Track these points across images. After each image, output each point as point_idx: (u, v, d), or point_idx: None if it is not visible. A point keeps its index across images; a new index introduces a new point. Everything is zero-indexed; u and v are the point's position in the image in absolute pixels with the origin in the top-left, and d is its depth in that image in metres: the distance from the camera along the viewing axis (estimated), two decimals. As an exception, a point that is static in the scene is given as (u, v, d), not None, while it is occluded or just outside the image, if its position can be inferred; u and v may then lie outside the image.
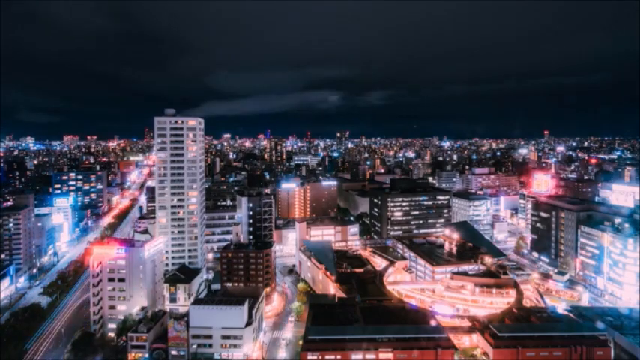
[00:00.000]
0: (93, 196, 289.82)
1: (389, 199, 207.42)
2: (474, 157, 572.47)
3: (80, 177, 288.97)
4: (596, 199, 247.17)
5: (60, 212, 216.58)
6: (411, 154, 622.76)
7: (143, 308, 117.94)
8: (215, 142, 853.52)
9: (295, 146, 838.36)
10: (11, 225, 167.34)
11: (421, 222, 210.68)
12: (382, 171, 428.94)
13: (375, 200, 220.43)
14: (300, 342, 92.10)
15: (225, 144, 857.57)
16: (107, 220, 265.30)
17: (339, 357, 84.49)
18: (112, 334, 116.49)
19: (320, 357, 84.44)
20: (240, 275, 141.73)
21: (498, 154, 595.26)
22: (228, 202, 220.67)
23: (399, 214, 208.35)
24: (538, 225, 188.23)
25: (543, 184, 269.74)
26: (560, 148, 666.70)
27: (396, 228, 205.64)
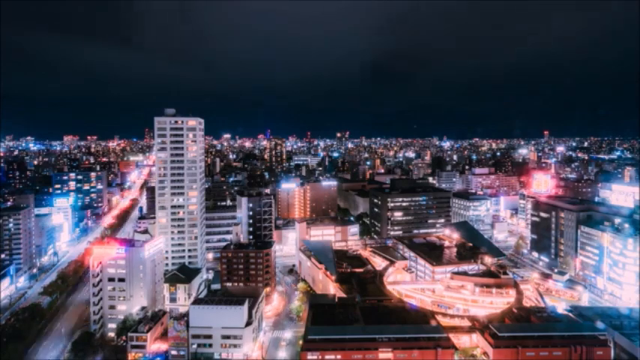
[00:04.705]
0: (93, 196, 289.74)
1: (389, 199, 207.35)
2: (474, 157, 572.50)
3: (80, 177, 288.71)
4: (596, 199, 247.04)
5: (60, 212, 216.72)
6: (411, 154, 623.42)
7: (143, 308, 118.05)
8: (215, 142, 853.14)
9: (295, 146, 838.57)
10: (11, 225, 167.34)
11: (421, 222, 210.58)
12: (382, 171, 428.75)
13: (375, 200, 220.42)
14: (300, 342, 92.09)
15: (225, 144, 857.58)
16: (107, 220, 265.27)
17: (339, 357, 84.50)
18: (112, 334, 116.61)
19: (320, 357, 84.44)
20: (240, 275, 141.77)
21: (498, 154, 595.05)
22: (228, 202, 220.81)
23: (399, 214, 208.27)
24: (538, 225, 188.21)
25: (543, 184, 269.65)
26: (560, 148, 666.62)
27: (396, 228, 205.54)
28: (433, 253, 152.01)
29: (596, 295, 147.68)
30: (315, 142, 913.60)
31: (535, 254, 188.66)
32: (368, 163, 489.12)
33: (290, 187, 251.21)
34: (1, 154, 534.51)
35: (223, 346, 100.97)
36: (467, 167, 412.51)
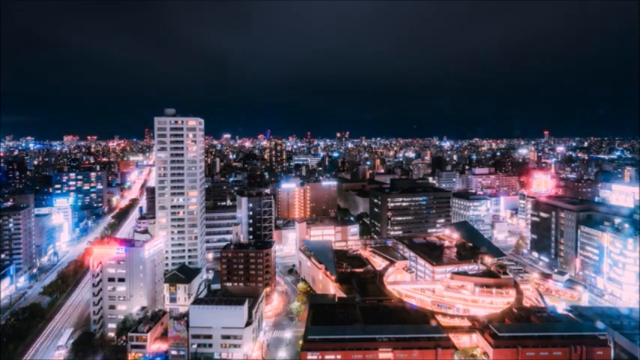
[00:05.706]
0: (93, 196, 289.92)
1: (389, 199, 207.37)
2: (474, 157, 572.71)
3: (80, 177, 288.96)
4: (596, 199, 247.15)
5: (60, 212, 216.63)
6: (411, 154, 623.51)
7: (143, 308, 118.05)
8: (215, 142, 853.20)
9: (295, 146, 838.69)
10: (11, 225, 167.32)
11: (421, 222, 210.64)
12: (382, 171, 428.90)
13: (375, 200, 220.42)
14: (300, 342, 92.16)
15: (225, 144, 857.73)
16: (107, 220, 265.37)
17: (339, 357, 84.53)
18: (112, 334, 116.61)
19: (320, 357, 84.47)
20: (240, 275, 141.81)
21: (498, 154, 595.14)
22: (228, 202, 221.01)
23: (399, 214, 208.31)
24: (538, 225, 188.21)
25: (543, 184, 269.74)
26: (560, 148, 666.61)
27: (396, 228, 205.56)
28: (433, 253, 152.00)
29: (596, 295, 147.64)
30: (315, 142, 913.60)
31: (535, 254, 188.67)
32: (368, 163, 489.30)
33: (290, 187, 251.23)
34: (1, 154, 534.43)
35: (223, 346, 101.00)
36: (467, 167, 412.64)
